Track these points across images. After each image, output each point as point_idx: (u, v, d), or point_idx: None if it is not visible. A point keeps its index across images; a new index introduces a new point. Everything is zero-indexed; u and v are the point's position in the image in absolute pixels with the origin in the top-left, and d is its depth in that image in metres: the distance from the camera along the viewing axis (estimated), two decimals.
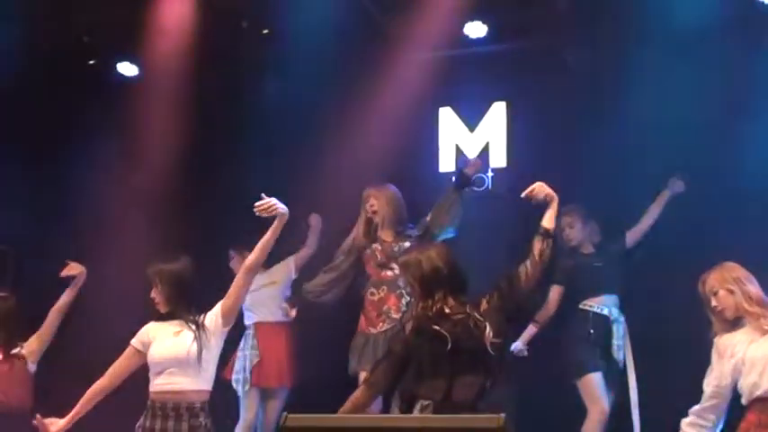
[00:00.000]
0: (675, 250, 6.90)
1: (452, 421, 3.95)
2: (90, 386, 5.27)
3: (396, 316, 6.45)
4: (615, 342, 6.65)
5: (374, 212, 6.70)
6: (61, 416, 5.16)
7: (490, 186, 8.01)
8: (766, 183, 6.91)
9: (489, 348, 4.62)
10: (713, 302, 5.17)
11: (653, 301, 6.98)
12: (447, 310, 4.72)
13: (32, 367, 6.51)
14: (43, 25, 7.90)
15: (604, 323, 6.71)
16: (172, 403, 5.02)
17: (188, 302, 5.24)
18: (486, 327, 4.65)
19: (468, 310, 4.73)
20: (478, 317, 4.69)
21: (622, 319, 6.78)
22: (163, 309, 5.21)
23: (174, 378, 5.04)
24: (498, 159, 8.04)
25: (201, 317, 5.20)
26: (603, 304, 6.75)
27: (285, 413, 3.85)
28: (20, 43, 7.77)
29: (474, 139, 8.12)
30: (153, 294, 5.22)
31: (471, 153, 8.08)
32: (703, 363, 5.23)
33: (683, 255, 6.74)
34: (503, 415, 3.69)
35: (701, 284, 5.24)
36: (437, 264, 4.82)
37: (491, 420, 3.71)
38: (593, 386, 6.62)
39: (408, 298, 6.36)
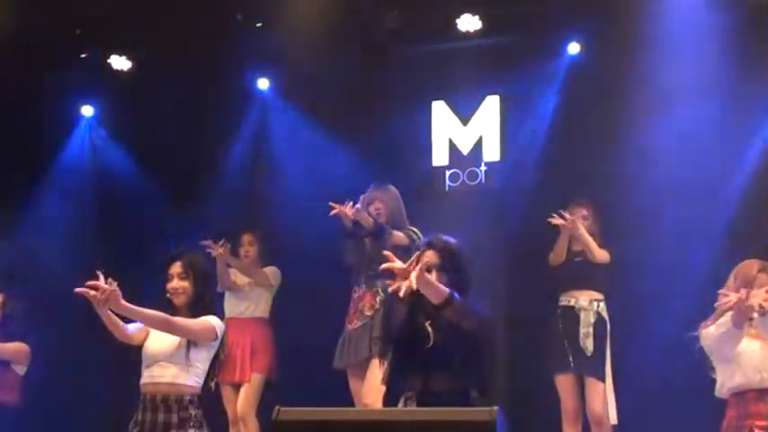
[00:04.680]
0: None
1: (446, 414, 3.95)
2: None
3: (369, 313, 6.50)
4: (582, 330, 6.67)
5: (378, 215, 6.70)
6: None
7: (483, 180, 8.01)
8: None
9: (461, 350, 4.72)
10: None
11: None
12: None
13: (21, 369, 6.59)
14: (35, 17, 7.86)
15: (572, 313, 6.76)
16: (161, 395, 5.01)
17: (211, 299, 5.25)
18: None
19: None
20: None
21: (597, 309, 6.76)
22: (181, 300, 5.14)
23: (163, 371, 5.04)
24: (491, 153, 8.03)
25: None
26: (573, 296, 6.78)
27: (278, 407, 3.85)
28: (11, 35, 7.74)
29: (467, 132, 8.10)
30: (175, 285, 5.12)
31: (465, 147, 8.08)
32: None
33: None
34: (496, 408, 3.69)
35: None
36: (470, 267, 4.94)
37: (484, 413, 3.71)
38: (559, 387, 6.79)
39: (383, 295, 6.35)
